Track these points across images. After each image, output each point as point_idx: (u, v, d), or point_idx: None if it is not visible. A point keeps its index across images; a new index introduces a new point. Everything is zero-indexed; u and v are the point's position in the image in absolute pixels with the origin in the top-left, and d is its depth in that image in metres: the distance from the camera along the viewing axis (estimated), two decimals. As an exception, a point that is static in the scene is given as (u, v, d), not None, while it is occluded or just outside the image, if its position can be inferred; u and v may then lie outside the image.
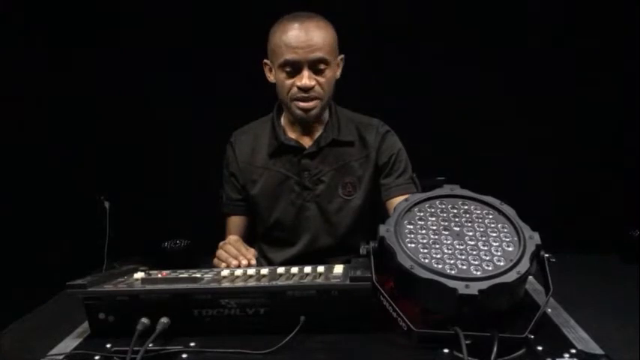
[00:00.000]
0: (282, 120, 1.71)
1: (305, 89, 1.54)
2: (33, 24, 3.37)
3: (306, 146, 1.66)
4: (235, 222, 1.76)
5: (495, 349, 0.95)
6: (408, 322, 1.03)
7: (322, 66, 1.54)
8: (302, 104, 1.57)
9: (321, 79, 1.55)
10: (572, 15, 3.71)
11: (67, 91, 3.61)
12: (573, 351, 0.99)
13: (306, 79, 1.53)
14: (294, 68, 1.54)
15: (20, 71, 3.20)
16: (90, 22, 3.74)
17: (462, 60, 3.76)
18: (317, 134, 1.67)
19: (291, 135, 1.68)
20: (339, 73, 1.64)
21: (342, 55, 1.65)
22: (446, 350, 1.00)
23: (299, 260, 1.63)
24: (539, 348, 1.00)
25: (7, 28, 3.12)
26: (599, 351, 1.00)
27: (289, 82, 1.56)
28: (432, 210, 1.21)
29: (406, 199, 1.23)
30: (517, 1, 3.72)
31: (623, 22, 3.67)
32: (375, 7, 3.75)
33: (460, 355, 0.94)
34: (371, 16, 3.75)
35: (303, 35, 1.51)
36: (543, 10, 3.70)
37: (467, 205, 1.22)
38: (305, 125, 1.66)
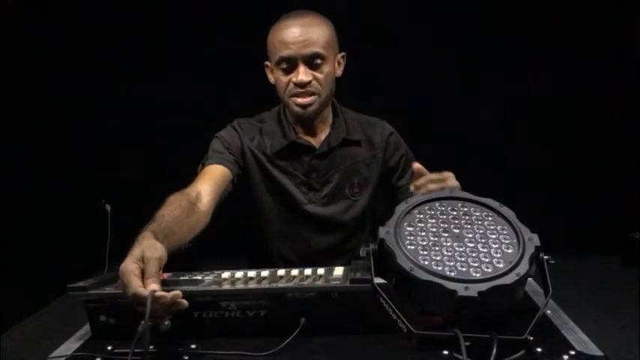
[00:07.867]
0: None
1: (301, 85, 1.53)
2: (32, 22, 3.37)
3: (316, 146, 1.64)
4: (214, 171, 1.54)
5: (495, 350, 0.95)
6: (408, 324, 1.03)
7: (318, 61, 1.52)
8: (299, 100, 1.55)
9: (318, 75, 1.53)
10: (574, 19, 3.72)
11: (67, 92, 3.62)
12: (572, 352, 0.99)
13: (301, 74, 1.51)
14: (289, 64, 1.53)
15: (20, 72, 3.21)
16: (90, 21, 3.74)
17: (462, 61, 3.77)
18: (323, 134, 1.65)
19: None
20: (340, 71, 1.62)
21: (343, 53, 1.63)
22: (445, 352, 1.00)
23: (298, 260, 1.63)
24: (539, 349, 1.00)
25: (6, 27, 3.12)
26: (598, 352, 1.00)
27: (286, 79, 1.54)
28: (432, 212, 1.21)
29: (406, 201, 1.23)
30: (520, 2, 3.72)
31: (622, 25, 3.68)
32: (376, 6, 3.76)
33: (460, 357, 0.95)
34: (372, 16, 3.76)
35: (297, 31, 1.51)
36: (547, 14, 3.71)
37: (466, 207, 1.22)
38: (308, 125, 1.63)
